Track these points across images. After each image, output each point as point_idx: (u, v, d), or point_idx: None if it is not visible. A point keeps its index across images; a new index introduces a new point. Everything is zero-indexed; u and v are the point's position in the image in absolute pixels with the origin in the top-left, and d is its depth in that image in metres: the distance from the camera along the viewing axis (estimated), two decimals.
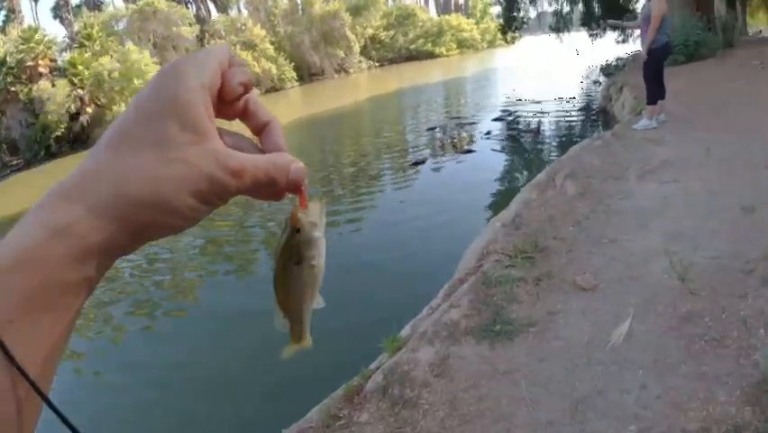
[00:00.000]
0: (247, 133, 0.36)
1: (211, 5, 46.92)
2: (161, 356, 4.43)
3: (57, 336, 0.28)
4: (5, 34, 25.31)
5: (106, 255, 0.29)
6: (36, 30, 24.50)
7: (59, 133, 22.01)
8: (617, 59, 15.48)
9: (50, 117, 21.70)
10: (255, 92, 0.36)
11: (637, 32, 7.51)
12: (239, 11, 42.58)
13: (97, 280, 0.29)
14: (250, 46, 32.32)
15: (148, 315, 5.47)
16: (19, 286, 0.26)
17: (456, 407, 2.21)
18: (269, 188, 0.33)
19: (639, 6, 17.62)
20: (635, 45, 15.35)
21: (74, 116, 22.67)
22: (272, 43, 33.85)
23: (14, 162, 21.60)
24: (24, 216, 0.28)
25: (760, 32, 14.63)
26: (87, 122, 23.04)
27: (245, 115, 0.36)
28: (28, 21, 42.69)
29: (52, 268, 0.26)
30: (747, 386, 2.13)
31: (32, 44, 23.06)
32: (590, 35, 18.27)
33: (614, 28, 6.76)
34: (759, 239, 3.11)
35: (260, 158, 0.33)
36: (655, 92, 5.91)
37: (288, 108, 25.21)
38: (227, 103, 0.33)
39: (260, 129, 0.36)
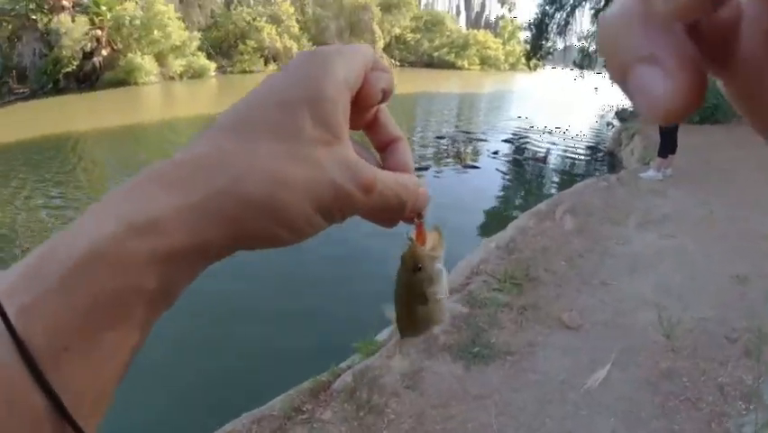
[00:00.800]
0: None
1: None
2: None
3: (118, 365, 0.22)
4: None
5: (195, 263, 0.23)
6: None
7: (69, 70, 21.73)
8: (633, 107, 15.57)
9: (63, 52, 21.41)
10: (386, 108, 0.32)
11: None
12: None
13: (178, 292, 0.23)
14: (276, 20, 32.09)
15: None
16: (83, 294, 0.20)
17: (422, 422, 2.17)
18: (392, 213, 0.29)
19: None
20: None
21: (87, 56, 22.40)
22: (298, 22, 33.65)
23: (21, 90, 21.25)
24: (100, 202, 0.22)
25: None
26: (100, 63, 22.75)
27: (373, 126, 0.31)
28: None
29: (129, 271, 0.20)
30: None
31: None
32: (612, 78, 18.36)
33: None
34: (747, 310, 3.10)
35: (390, 176, 0.28)
36: (668, 145, 5.93)
37: None
38: (361, 109, 0.29)
39: (386, 145, 0.32)
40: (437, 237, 0.34)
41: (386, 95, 0.29)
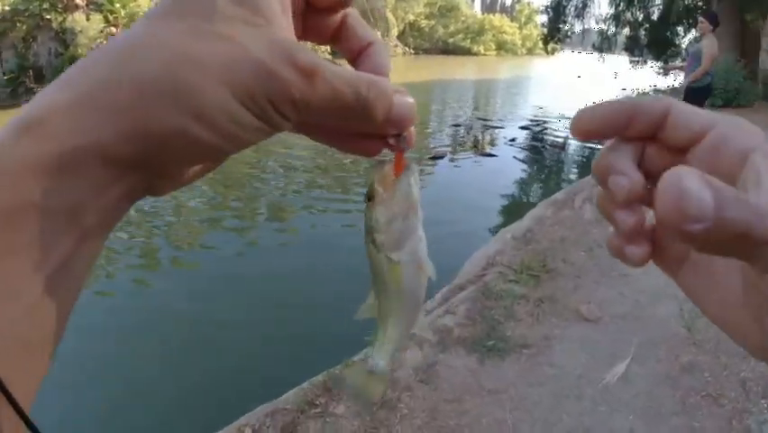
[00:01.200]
0: None
1: None
2: (125, 321, 4.28)
3: (45, 302, 0.18)
4: None
5: (98, 174, 0.19)
6: None
7: None
8: (655, 90, 15.16)
9: (79, 50, 21.68)
10: (355, 11, 0.26)
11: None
12: None
13: (97, 217, 0.19)
14: None
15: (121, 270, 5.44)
16: None
17: (435, 417, 2.14)
18: (358, 120, 0.23)
19: (685, 42, 17.28)
20: (674, 80, 15.03)
21: None
22: None
23: (37, 89, 21.61)
24: None
25: None
26: None
27: (340, 36, 0.26)
28: None
29: (16, 182, 0.17)
30: None
31: None
32: (632, 61, 17.90)
33: (666, 70, 6.57)
34: None
35: (346, 68, 0.23)
36: None
37: None
38: (318, 12, 0.24)
39: (359, 53, 0.27)
40: (409, 176, 0.28)
41: None
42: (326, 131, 0.26)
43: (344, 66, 0.24)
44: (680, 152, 0.23)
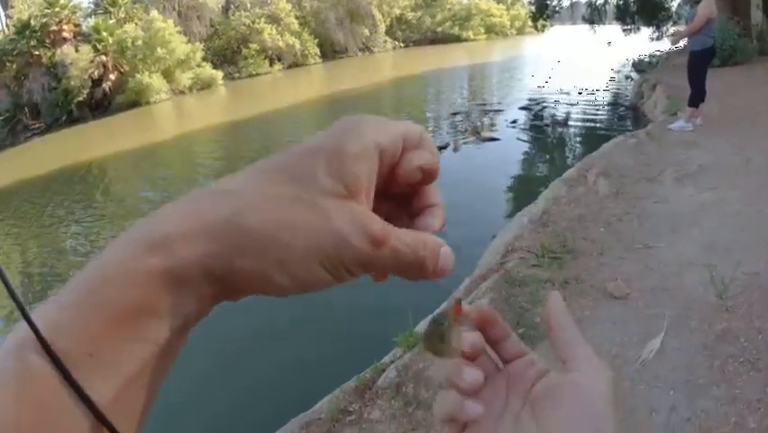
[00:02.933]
0: None
1: None
2: None
3: (142, 382, 0.23)
4: None
5: (201, 286, 0.23)
6: None
7: (80, 99, 22.19)
8: (651, 55, 14.95)
9: (72, 82, 21.83)
10: (436, 187, 0.31)
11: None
12: None
13: (190, 317, 0.24)
14: (274, 19, 31.97)
15: None
16: (103, 306, 0.21)
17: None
18: (414, 272, 0.27)
19: (674, 5, 17.02)
20: (669, 44, 14.81)
21: (96, 82, 22.81)
22: (297, 18, 33.43)
23: (36, 126, 21.80)
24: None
25: None
26: (109, 88, 23.14)
27: (412, 198, 0.31)
28: None
29: (143, 286, 0.22)
30: None
31: (56, 8, 23.17)
32: (624, 30, 17.67)
33: (675, 39, 6.47)
34: None
35: (407, 232, 0.27)
36: (698, 94, 5.65)
37: (310, 85, 25.01)
38: (397, 186, 0.29)
39: (421, 210, 0.31)
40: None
41: (427, 175, 0.29)
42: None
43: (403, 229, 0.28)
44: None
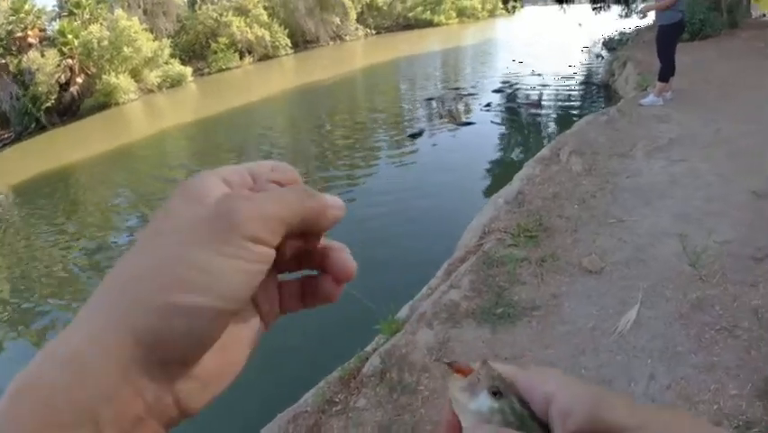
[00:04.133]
0: None
1: None
2: None
3: None
4: None
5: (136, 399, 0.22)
6: (25, 0, 23.62)
7: (49, 105, 21.55)
8: (621, 33, 15.09)
9: (39, 88, 21.20)
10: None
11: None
12: None
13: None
14: (242, 11, 31.32)
15: None
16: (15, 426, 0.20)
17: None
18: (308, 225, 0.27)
19: None
20: (639, 20, 14.97)
21: (64, 87, 22.16)
22: (266, 9, 32.80)
23: (5, 136, 21.08)
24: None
25: (764, 15, 14.35)
26: (78, 92, 22.51)
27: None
28: None
29: (45, 406, 0.20)
30: (759, 380, 2.05)
31: (21, 15, 22.41)
32: (594, 8, 17.78)
33: (644, 12, 6.52)
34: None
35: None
36: (668, 69, 5.71)
37: (281, 77, 24.63)
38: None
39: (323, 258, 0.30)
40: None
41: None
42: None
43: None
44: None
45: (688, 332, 2.29)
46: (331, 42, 36.86)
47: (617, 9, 17.54)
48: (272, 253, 0.25)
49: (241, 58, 30.73)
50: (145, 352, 0.22)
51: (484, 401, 0.27)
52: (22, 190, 11.42)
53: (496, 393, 0.27)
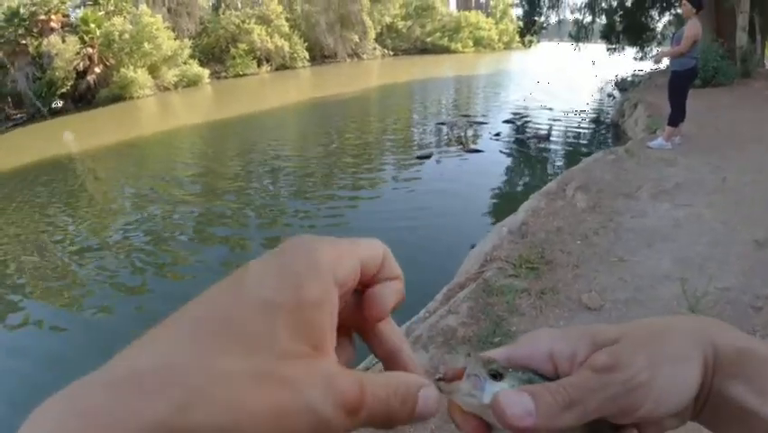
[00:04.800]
0: None
1: None
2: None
3: None
4: None
5: None
6: None
7: (64, 90, 21.81)
8: (634, 75, 15.32)
9: (57, 73, 21.45)
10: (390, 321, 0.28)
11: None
12: None
13: None
14: (265, 21, 31.90)
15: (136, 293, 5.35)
16: None
17: (448, 420, 2.10)
18: (382, 423, 0.23)
19: (660, 26, 17.49)
20: (653, 64, 15.18)
21: (81, 75, 22.46)
22: (288, 20, 33.43)
23: (18, 116, 21.33)
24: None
25: None
26: (94, 81, 22.78)
27: (370, 335, 0.28)
28: None
29: None
30: None
31: None
32: (608, 49, 18.09)
33: (658, 58, 6.72)
34: None
35: (379, 379, 0.23)
36: (677, 114, 5.78)
37: (297, 88, 24.95)
38: (360, 322, 0.26)
39: (387, 355, 0.28)
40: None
41: (393, 309, 0.26)
42: None
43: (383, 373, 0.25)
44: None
45: None
46: (348, 59, 37.44)
47: (631, 51, 17.84)
48: None
49: (258, 65, 31.21)
50: None
51: (491, 389, 0.27)
52: (28, 170, 11.47)
53: (496, 376, 0.28)
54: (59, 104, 21.68)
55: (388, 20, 41.87)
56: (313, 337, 0.21)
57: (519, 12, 20.01)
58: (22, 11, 22.20)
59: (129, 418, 0.17)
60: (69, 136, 15.43)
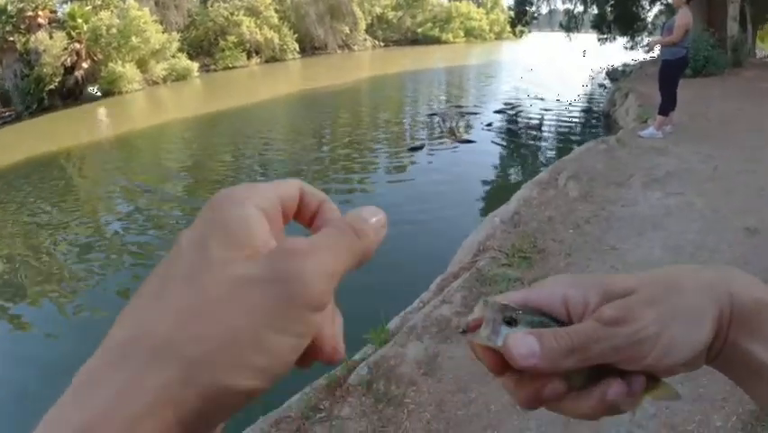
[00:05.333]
0: None
1: None
2: None
3: None
4: None
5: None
6: None
7: (52, 87, 21.45)
8: (624, 64, 15.35)
9: (45, 69, 21.11)
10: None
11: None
12: None
13: None
14: (253, 12, 31.54)
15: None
16: None
17: (443, 409, 2.12)
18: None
19: (650, 15, 17.53)
20: (643, 53, 15.23)
21: (69, 70, 22.11)
22: (277, 12, 33.07)
23: (6, 114, 20.98)
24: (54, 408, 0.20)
25: None
26: (82, 77, 22.44)
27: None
28: None
29: None
30: (743, 413, 2.06)
31: None
32: (600, 39, 18.11)
33: (650, 46, 6.75)
34: (761, 263, 3.04)
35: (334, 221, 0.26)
36: (669, 103, 5.80)
37: (287, 80, 24.76)
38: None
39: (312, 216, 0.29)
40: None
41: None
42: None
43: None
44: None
45: None
46: (339, 51, 37.17)
47: (622, 41, 17.88)
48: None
49: (248, 58, 30.89)
50: (180, 431, 0.19)
51: (505, 332, 0.30)
52: (18, 168, 11.31)
53: (510, 322, 0.30)
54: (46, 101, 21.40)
55: (378, 10, 41.56)
56: (250, 241, 0.22)
57: (511, 2, 19.93)
58: (9, 8, 21.80)
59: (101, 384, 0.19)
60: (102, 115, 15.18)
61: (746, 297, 0.29)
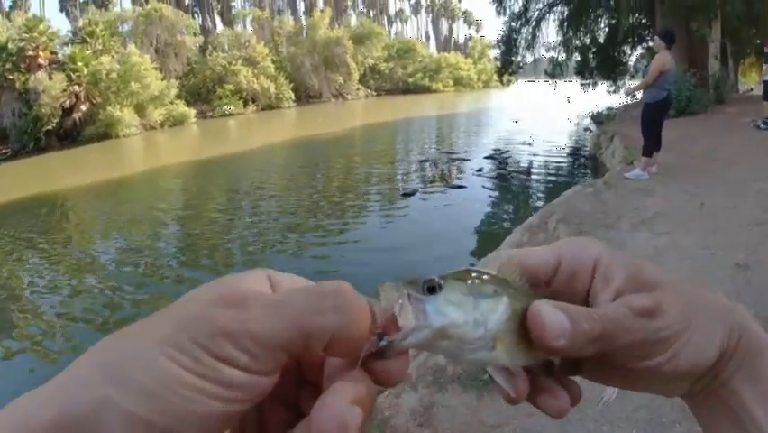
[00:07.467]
0: None
1: (217, 18, 47.58)
2: None
3: None
4: (10, 20, 25.13)
5: None
6: (41, 20, 24.49)
7: (50, 127, 21.67)
8: (608, 108, 15.88)
9: (43, 110, 21.39)
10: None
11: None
12: (244, 27, 43.17)
13: None
14: (251, 62, 32.60)
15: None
16: None
17: (430, 408, 2.05)
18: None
19: (632, 59, 18.32)
20: (625, 97, 15.78)
21: (67, 112, 22.44)
22: (273, 62, 34.23)
23: (2, 151, 21.10)
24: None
25: (751, 89, 15.12)
26: (80, 119, 22.76)
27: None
28: (34, 10, 43.01)
29: None
30: None
31: (34, 34, 22.97)
32: (582, 84, 18.81)
33: (630, 92, 7.07)
34: (753, 297, 3.06)
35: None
36: (651, 144, 5.97)
37: (282, 127, 25.26)
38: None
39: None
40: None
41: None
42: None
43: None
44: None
45: (673, 402, 2.27)
46: (333, 99, 38.22)
47: (603, 87, 18.57)
48: (261, 383, 0.21)
49: (245, 105, 31.65)
50: None
51: (435, 305, 0.25)
52: (9, 207, 11.27)
53: (432, 289, 0.25)
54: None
55: (371, 62, 43.11)
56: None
57: (497, 52, 20.76)
58: (10, 46, 22.29)
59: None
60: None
61: (755, 332, 0.28)
